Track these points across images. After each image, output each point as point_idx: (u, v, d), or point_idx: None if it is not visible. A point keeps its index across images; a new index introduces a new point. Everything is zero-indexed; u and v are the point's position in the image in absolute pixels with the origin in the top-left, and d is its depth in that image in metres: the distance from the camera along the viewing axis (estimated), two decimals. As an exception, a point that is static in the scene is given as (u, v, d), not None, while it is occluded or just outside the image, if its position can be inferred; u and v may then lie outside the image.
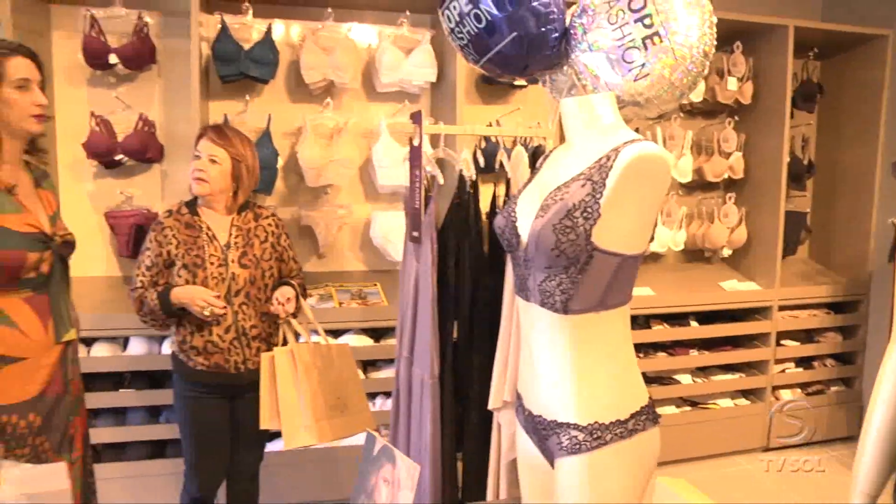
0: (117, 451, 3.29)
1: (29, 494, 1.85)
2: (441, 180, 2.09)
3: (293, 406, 2.40)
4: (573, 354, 1.51)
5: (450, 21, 1.99)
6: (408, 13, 3.57)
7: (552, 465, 1.60)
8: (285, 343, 2.52)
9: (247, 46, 3.34)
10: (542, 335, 1.54)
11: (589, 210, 1.44)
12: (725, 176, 4.25)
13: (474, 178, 2.08)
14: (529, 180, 1.72)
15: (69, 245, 2.16)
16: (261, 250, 2.56)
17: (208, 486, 2.65)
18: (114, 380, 3.28)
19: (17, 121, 1.97)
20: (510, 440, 1.98)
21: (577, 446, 1.49)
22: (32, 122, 2.00)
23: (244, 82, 3.45)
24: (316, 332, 2.64)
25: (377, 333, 3.49)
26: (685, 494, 1.55)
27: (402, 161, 3.44)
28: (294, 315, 2.55)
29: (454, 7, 1.94)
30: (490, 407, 2.01)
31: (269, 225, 2.63)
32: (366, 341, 3.39)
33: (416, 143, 2.10)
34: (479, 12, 1.88)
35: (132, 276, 2.60)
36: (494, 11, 1.86)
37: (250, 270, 2.51)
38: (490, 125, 3.65)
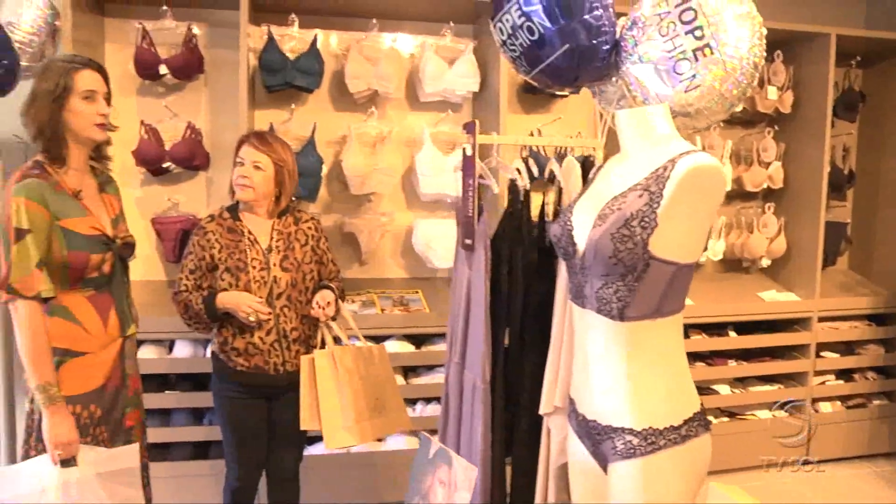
0: (162, 451, 3.35)
1: (102, 473, 2.06)
2: (496, 189, 2.13)
3: (334, 408, 2.44)
4: (628, 361, 1.54)
5: (502, 33, 2.03)
6: (451, 24, 3.61)
7: (605, 469, 1.62)
8: (324, 345, 2.56)
9: (293, 57, 3.41)
10: (597, 341, 1.57)
11: (646, 219, 1.47)
12: (764, 186, 4.24)
13: (528, 187, 2.11)
14: (584, 190, 1.76)
15: (129, 246, 2.29)
16: (301, 254, 2.61)
17: (248, 477, 2.71)
18: (159, 381, 3.35)
19: (83, 129, 2.09)
20: (560, 445, 2.00)
21: (632, 451, 1.52)
22: (96, 130, 2.12)
23: (288, 92, 3.52)
24: (354, 335, 2.68)
25: (418, 340, 3.52)
26: (739, 499, 1.56)
27: (445, 170, 3.49)
28: (333, 318, 2.60)
29: (506, 20, 1.98)
30: (541, 412, 2.04)
31: (309, 228, 2.68)
32: (407, 347, 3.43)
33: (468, 152, 2.14)
34: (531, 25, 1.92)
35: (177, 282, 2.65)
36: (547, 24, 1.90)
37: (291, 274, 2.56)
38: (531, 134, 3.68)
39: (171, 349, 3.37)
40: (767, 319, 4.12)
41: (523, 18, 1.93)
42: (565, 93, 3.73)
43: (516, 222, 2.10)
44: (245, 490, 2.73)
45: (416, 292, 3.60)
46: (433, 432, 3.43)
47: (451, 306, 2.39)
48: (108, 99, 2.17)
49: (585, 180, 2.01)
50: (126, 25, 3.50)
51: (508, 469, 2.23)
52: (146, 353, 3.28)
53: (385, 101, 3.67)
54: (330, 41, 3.63)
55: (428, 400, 3.49)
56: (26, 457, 2.11)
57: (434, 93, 3.56)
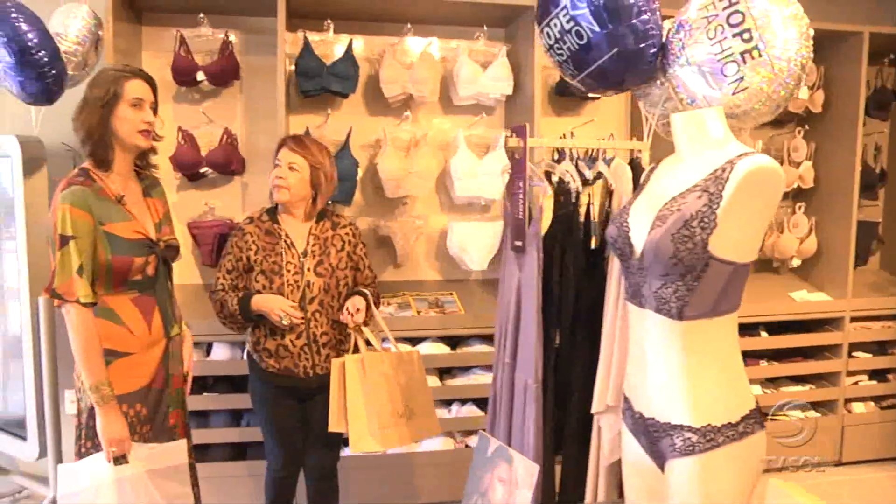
0: (200, 452, 3.36)
1: (152, 470, 2.14)
2: (550, 191, 2.15)
3: (360, 413, 2.48)
4: (686, 358, 1.56)
5: (549, 38, 2.06)
6: (485, 28, 3.65)
7: (661, 467, 1.64)
8: (356, 350, 2.59)
9: (328, 62, 3.45)
10: (655, 340, 1.60)
11: (706, 220, 1.49)
12: (795, 185, 4.23)
13: (580, 189, 2.14)
14: (639, 192, 1.78)
15: (173, 249, 2.35)
16: (336, 259, 2.65)
17: (288, 466, 2.76)
18: (197, 384, 3.38)
19: (128, 135, 2.17)
20: (611, 444, 2.03)
21: (691, 448, 1.54)
22: (140, 137, 2.20)
23: (322, 96, 3.55)
24: (386, 339, 2.71)
25: (453, 341, 3.55)
26: (798, 496, 1.58)
27: (479, 173, 3.52)
28: (365, 323, 2.63)
29: (555, 24, 2.01)
30: (593, 410, 2.06)
31: (347, 234, 2.72)
32: (443, 349, 3.46)
33: (518, 156, 2.17)
34: (580, 29, 1.95)
35: (214, 281, 2.71)
36: (595, 28, 1.92)
37: (325, 279, 2.60)
38: (563, 136, 3.69)
39: (208, 352, 3.42)
40: (799, 319, 4.11)
41: (572, 23, 1.96)
42: (596, 95, 3.76)
43: (568, 224, 2.12)
44: (285, 481, 2.78)
45: (451, 294, 3.63)
46: (467, 433, 3.50)
47: (498, 307, 2.42)
48: (154, 109, 2.25)
49: (635, 182, 2.04)
50: (162, 33, 3.57)
51: (557, 467, 2.25)
52: (184, 356, 3.32)
53: (419, 105, 3.70)
54: (364, 46, 3.67)
55: (463, 401, 3.52)
56: (79, 456, 2.18)
57: (468, 96, 3.59)
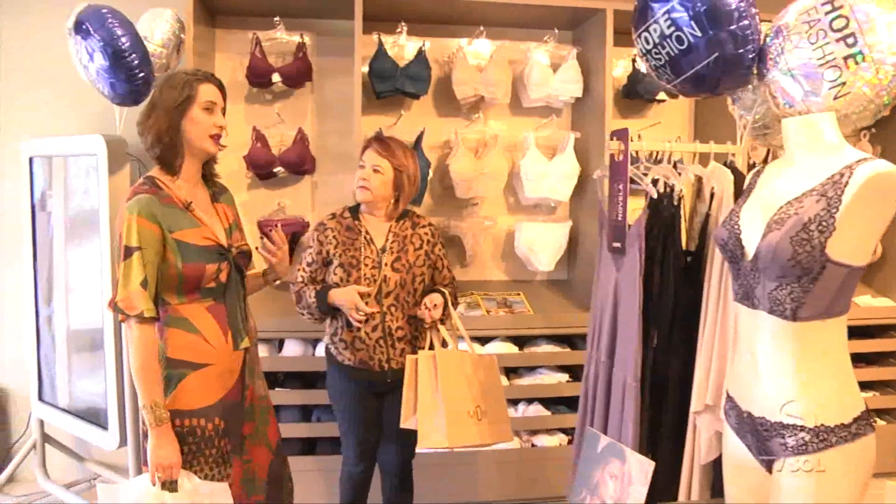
0: (269, 447, 3.47)
1: None
2: (654, 193, 2.18)
3: (430, 408, 2.47)
4: (799, 359, 1.59)
5: (647, 42, 2.08)
6: (555, 30, 3.67)
7: (768, 467, 1.66)
8: (432, 348, 2.61)
9: (402, 64, 3.50)
10: (767, 341, 1.62)
11: (824, 224, 1.52)
12: (860, 190, 4.18)
13: (683, 192, 2.16)
14: (747, 195, 1.80)
15: (245, 255, 2.30)
16: (414, 256, 2.69)
17: (363, 460, 2.79)
18: (269, 379, 3.41)
19: (198, 138, 2.12)
20: (707, 443, 2.05)
21: (804, 447, 1.56)
22: (210, 141, 2.15)
23: (393, 98, 3.61)
24: (462, 339, 2.73)
25: (520, 341, 3.58)
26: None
27: (549, 174, 3.55)
28: (442, 321, 2.66)
29: (654, 30, 2.03)
30: (693, 410, 2.09)
31: (426, 234, 2.76)
32: (511, 349, 3.49)
33: (618, 158, 2.20)
34: (681, 34, 1.97)
35: (294, 273, 2.76)
36: (697, 33, 1.94)
37: (401, 274, 2.64)
38: (632, 140, 3.72)
39: (280, 348, 3.47)
40: (863, 325, 4.07)
41: (673, 28, 1.98)
42: (663, 97, 3.78)
43: (669, 226, 2.14)
44: (360, 477, 2.81)
45: (519, 294, 3.66)
46: (533, 433, 3.53)
47: (592, 307, 2.45)
48: (223, 114, 2.21)
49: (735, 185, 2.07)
50: (235, 36, 3.65)
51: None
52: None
53: (489, 107, 3.75)
54: (435, 49, 3.71)
55: (529, 401, 3.54)
56: (139, 473, 2.15)
57: (538, 98, 3.62)
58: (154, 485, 2.00)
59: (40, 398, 3.60)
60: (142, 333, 2.00)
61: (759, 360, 1.65)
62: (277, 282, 2.48)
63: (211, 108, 2.13)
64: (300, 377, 3.49)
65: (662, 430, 2.20)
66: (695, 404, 2.08)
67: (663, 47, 2.04)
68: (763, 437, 1.65)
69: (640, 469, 1.53)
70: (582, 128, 3.71)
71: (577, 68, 3.61)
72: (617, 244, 2.23)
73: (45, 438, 3.67)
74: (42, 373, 3.60)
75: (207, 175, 2.28)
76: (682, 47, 1.99)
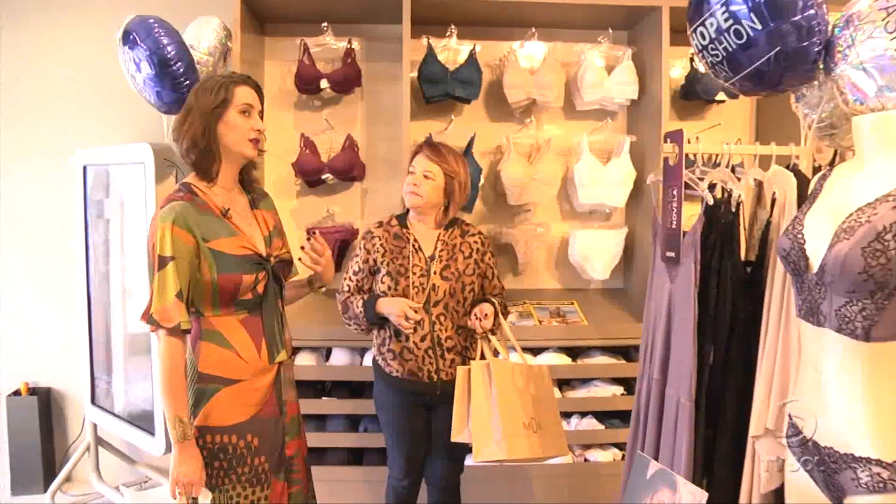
0: (317, 456, 3.39)
1: None
2: (710, 199, 2.04)
3: (485, 420, 2.40)
4: (872, 384, 1.43)
5: (703, 38, 1.95)
6: (609, 30, 3.54)
7: (835, 501, 1.51)
8: (483, 358, 2.53)
9: (452, 68, 3.42)
10: (835, 362, 1.48)
11: (901, 232, 1.36)
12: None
13: (742, 198, 2.02)
14: (811, 201, 1.66)
15: (286, 263, 2.21)
16: (464, 265, 2.62)
17: (409, 474, 2.72)
18: (316, 388, 3.41)
19: (236, 143, 2.04)
20: (768, 471, 1.89)
21: (881, 484, 1.40)
22: (249, 145, 2.06)
23: (443, 103, 3.53)
24: (513, 349, 2.64)
25: (574, 352, 3.46)
26: None
27: (603, 180, 3.42)
28: (492, 332, 2.58)
29: (710, 24, 1.90)
30: (752, 434, 1.94)
31: (475, 242, 2.68)
32: (564, 360, 3.37)
33: (672, 162, 2.07)
34: (739, 28, 1.84)
35: (340, 283, 2.71)
36: (757, 26, 1.81)
37: (451, 283, 2.57)
38: (688, 142, 3.56)
39: (327, 356, 3.43)
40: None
41: (731, 21, 1.85)
42: (723, 98, 3.60)
43: (727, 234, 2.00)
44: (406, 490, 2.75)
45: (572, 303, 3.54)
46: (586, 447, 3.40)
47: (645, 320, 2.32)
48: (261, 117, 2.12)
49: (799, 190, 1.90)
50: (284, 43, 3.63)
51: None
52: (303, 359, 3.36)
53: (542, 111, 3.63)
54: (486, 52, 3.62)
55: (583, 414, 3.42)
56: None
57: (592, 101, 3.49)
58: (174, 498, 1.94)
59: (93, 402, 3.64)
60: (171, 346, 1.93)
61: (826, 383, 1.50)
62: (323, 288, 2.41)
63: (248, 110, 2.06)
64: (348, 386, 3.44)
65: (718, 455, 2.04)
66: (754, 428, 1.92)
67: (720, 42, 1.90)
68: (831, 470, 1.50)
69: (693, 500, 1.41)
70: (638, 131, 3.57)
71: (633, 69, 3.47)
72: (671, 253, 2.10)
73: (98, 441, 3.72)
74: (94, 378, 3.64)
75: (245, 180, 2.20)
76: (740, 42, 1.86)
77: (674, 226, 2.08)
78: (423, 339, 2.57)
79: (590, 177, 3.42)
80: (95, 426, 3.67)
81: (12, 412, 3.84)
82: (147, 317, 1.94)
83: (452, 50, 3.53)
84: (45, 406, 3.93)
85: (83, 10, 3.80)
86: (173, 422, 1.93)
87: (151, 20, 2.92)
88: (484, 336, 2.56)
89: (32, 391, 3.92)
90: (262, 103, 2.14)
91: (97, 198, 3.60)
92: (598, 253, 3.52)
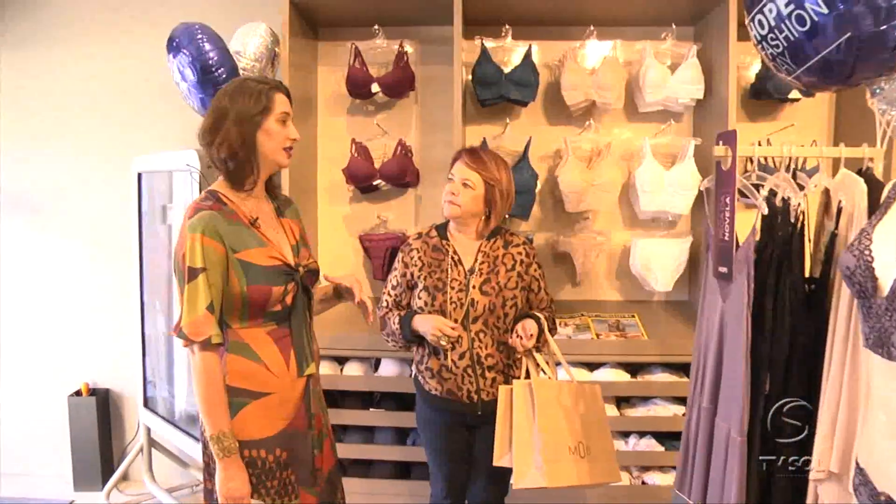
0: (363, 468, 3.35)
1: None
2: (765, 209, 1.84)
3: (526, 444, 2.27)
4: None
5: (761, 27, 1.76)
6: (673, 26, 3.34)
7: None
8: (527, 377, 2.39)
9: (507, 69, 3.28)
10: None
11: None
12: None
13: (802, 207, 1.80)
14: (883, 212, 1.45)
15: (313, 274, 2.15)
16: (506, 278, 2.48)
17: (452, 495, 2.61)
18: (364, 398, 3.34)
19: (272, 152, 2.00)
20: (832, 519, 1.68)
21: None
22: (284, 155, 2.03)
23: (498, 106, 3.41)
24: (560, 365, 2.48)
25: (633, 368, 3.26)
26: None
27: (667, 186, 3.22)
28: (537, 349, 2.44)
29: (769, 10, 1.72)
30: (812, 477, 1.72)
31: (519, 253, 2.55)
32: (623, 376, 3.18)
33: (725, 166, 1.88)
34: (802, 13, 1.64)
35: (381, 297, 2.63)
36: (822, 10, 1.61)
37: (490, 298, 2.44)
38: (759, 144, 3.33)
39: (376, 367, 3.34)
40: None
41: (792, 6, 1.65)
42: (797, 96, 3.35)
43: (786, 248, 1.79)
44: None
45: (633, 316, 3.35)
46: (645, 469, 3.19)
47: (696, 340, 2.13)
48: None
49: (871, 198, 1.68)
50: (337, 48, 3.58)
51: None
52: (351, 369, 3.30)
53: (601, 113, 3.45)
54: (542, 52, 3.47)
55: (641, 434, 3.21)
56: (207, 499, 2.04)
57: (654, 102, 3.29)
58: None
59: (145, 405, 3.68)
60: (207, 360, 1.89)
61: (898, 424, 1.29)
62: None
63: (285, 119, 2.02)
64: (395, 398, 3.34)
65: (774, 498, 1.82)
66: (815, 470, 1.70)
67: (781, 31, 1.71)
68: None
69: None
70: (704, 133, 3.35)
71: (698, 67, 3.25)
72: (723, 268, 1.90)
73: (152, 443, 3.78)
74: (147, 382, 3.68)
75: (269, 187, 2.15)
76: (804, 29, 1.65)
77: (726, 238, 1.87)
78: (461, 357, 2.44)
79: (652, 182, 3.22)
80: (149, 429, 3.71)
81: (73, 411, 3.97)
82: (178, 331, 1.89)
83: (507, 50, 3.40)
84: (104, 406, 4.05)
85: (141, 18, 3.85)
86: (216, 438, 1.88)
87: (195, 26, 2.90)
88: (528, 353, 2.43)
89: (92, 392, 4.03)
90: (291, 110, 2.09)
91: (161, 203, 3.63)
92: (661, 263, 3.31)
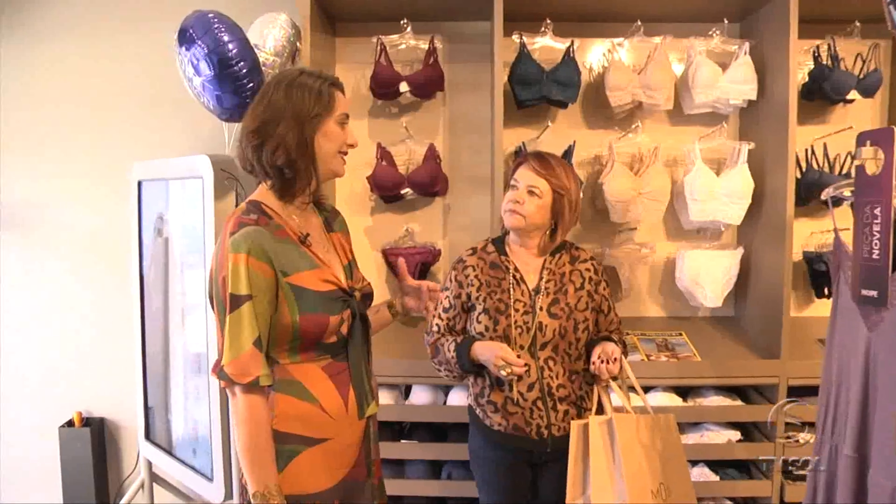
0: (393, 504, 3.06)
1: None
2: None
3: (606, 488, 2.05)
4: None
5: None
6: (725, 22, 3.10)
7: None
8: (601, 409, 2.19)
9: (547, 68, 3.03)
10: None
11: None
12: None
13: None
14: None
15: (369, 298, 1.89)
16: (575, 298, 2.24)
17: None
18: (393, 428, 3.08)
19: (329, 158, 1.74)
20: None
21: None
22: (339, 161, 1.77)
23: (533, 108, 3.16)
24: (634, 390, 2.25)
25: (683, 390, 3.02)
26: None
27: (717, 193, 2.98)
28: (615, 377, 2.19)
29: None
30: None
31: (588, 270, 2.31)
32: (675, 401, 2.94)
33: (871, 171, 1.63)
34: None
35: (428, 321, 2.36)
36: None
37: (561, 321, 2.19)
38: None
39: (406, 395, 3.08)
40: None
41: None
42: (854, 96, 3.13)
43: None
44: None
45: (680, 334, 3.11)
46: (699, 500, 2.93)
47: (824, 371, 1.88)
48: None
49: None
50: (356, 45, 3.30)
51: None
52: (380, 398, 2.98)
53: (647, 115, 3.20)
54: (585, 49, 3.21)
55: (693, 462, 2.96)
56: None
57: (703, 104, 3.05)
58: None
59: (147, 437, 3.35)
60: (252, 405, 1.60)
61: None
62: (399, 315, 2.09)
63: (345, 121, 1.76)
64: (428, 428, 3.08)
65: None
66: None
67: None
68: None
69: None
70: (755, 136, 3.11)
71: (751, 66, 3.01)
72: (870, 292, 1.65)
73: (154, 478, 3.44)
74: (149, 409, 3.35)
75: (316, 197, 1.87)
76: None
77: (875, 256, 1.63)
78: (529, 389, 2.19)
79: (703, 190, 2.98)
80: (150, 463, 3.38)
81: (65, 444, 3.63)
82: (218, 370, 1.61)
83: (547, 48, 3.12)
84: (99, 437, 3.71)
85: (140, 14, 3.56)
86: (261, 495, 1.60)
87: (211, 15, 2.59)
88: (604, 383, 2.20)
89: (86, 422, 3.69)
90: None
91: (162, 213, 3.29)
92: (711, 276, 3.08)
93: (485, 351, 2.15)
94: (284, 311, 1.63)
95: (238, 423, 1.62)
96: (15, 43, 3.59)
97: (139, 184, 3.21)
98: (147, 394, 3.30)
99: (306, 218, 1.80)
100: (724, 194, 3.00)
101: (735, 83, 3.02)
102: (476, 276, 2.28)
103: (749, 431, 2.97)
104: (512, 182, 2.27)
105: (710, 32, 3.12)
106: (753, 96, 3.04)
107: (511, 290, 2.23)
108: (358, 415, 1.77)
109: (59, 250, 3.70)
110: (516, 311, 2.20)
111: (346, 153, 1.78)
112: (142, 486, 3.41)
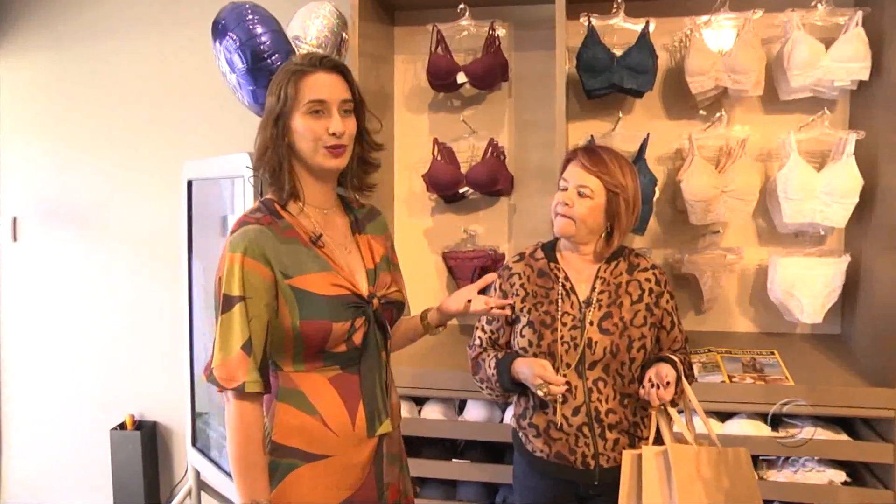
0: (445, 528, 2.90)
1: None
2: None
3: None
4: None
5: None
6: (831, -10, 2.69)
7: None
8: (658, 438, 1.96)
9: (619, 52, 2.74)
10: None
11: None
12: None
13: None
14: None
15: (394, 307, 1.76)
16: (631, 313, 2.00)
17: None
18: (445, 446, 2.90)
19: (310, 155, 1.61)
20: None
21: None
22: (324, 155, 1.61)
23: (607, 98, 2.87)
24: (696, 413, 1.98)
25: (775, 419, 2.63)
26: None
27: (817, 191, 2.59)
28: (674, 402, 1.96)
29: None
30: None
31: (648, 280, 2.05)
32: (762, 430, 2.56)
33: None
34: None
35: (472, 333, 2.18)
36: None
37: (613, 338, 1.97)
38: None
39: (461, 410, 2.88)
40: None
41: None
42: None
43: None
44: None
45: (772, 353, 2.73)
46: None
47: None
48: (356, 109, 1.66)
49: None
50: (417, 35, 3.13)
51: None
52: (431, 412, 2.84)
53: (734, 103, 2.84)
54: (661, 30, 2.86)
55: (784, 504, 2.59)
56: None
57: (801, 87, 2.65)
58: None
59: (194, 444, 3.30)
60: (241, 412, 1.53)
61: None
62: (441, 329, 1.94)
63: (319, 109, 1.59)
64: (483, 446, 2.87)
65: None
66: None
67: None
68: None
69: None
70: (866, 125, 2.67)
71: (864, 39, 2.58)
72: None
73: (201, 486, 3.39)
74: (196, 416, 3.31)
75: (359, 188, 1.78)
76: None
77: None
78: (575, 413, 1.97)
79: (801, 188, 2.60)
80: (198, 472, 3.33)
81: (116, 446, 3.66)
82: (208, 373, 1.55)
83: (619, 31, 2.83)
84: (151, 441, 3.73)
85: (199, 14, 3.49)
86: None
87: (245, 6, 2.48)
88: (661, 409, 1.95)
89: (138, 425, 3.71)
90: (352, 91, 1.66)
91: (223, 213, 3.24)
92: (809, 288, 2.68)
93: (524, 368, 1.96)
94: (285, 315, 1.56)
95: (228, 431, 1.54)
96: (80, 45, 3.67)
97: (189, 183, 3.15)
98: (194, 399, 3.23)
99: (327, 219, 1.70)
100: (824, 192, 2.61)
101: (841, 62, 2.60)
102: (522, 286, 2.09)
103: (858, 472, 2.58)
104: (561, 182, 2.05)
105: (813, 3, 2.70)
106: (865, 77, 2.61)
107: (560, 301, 2.03)
108: (367, 433, 1.66)
109: (119, 251, 3.75)
110: (563, 324, 2.00)
111: (334, 145, 1.61)
112: (189, 493, 3.39)
